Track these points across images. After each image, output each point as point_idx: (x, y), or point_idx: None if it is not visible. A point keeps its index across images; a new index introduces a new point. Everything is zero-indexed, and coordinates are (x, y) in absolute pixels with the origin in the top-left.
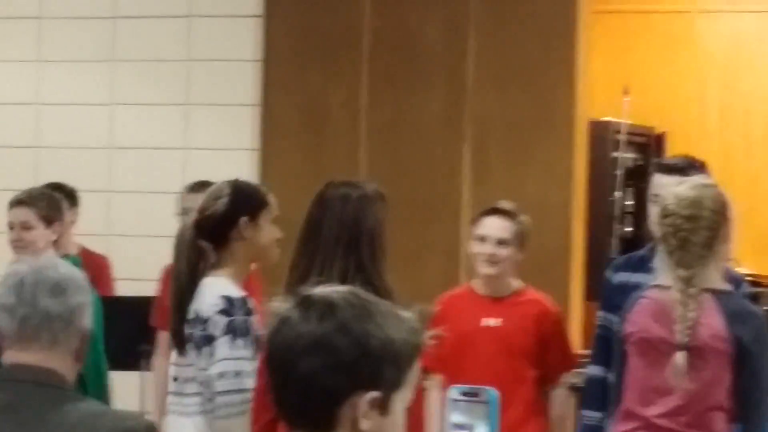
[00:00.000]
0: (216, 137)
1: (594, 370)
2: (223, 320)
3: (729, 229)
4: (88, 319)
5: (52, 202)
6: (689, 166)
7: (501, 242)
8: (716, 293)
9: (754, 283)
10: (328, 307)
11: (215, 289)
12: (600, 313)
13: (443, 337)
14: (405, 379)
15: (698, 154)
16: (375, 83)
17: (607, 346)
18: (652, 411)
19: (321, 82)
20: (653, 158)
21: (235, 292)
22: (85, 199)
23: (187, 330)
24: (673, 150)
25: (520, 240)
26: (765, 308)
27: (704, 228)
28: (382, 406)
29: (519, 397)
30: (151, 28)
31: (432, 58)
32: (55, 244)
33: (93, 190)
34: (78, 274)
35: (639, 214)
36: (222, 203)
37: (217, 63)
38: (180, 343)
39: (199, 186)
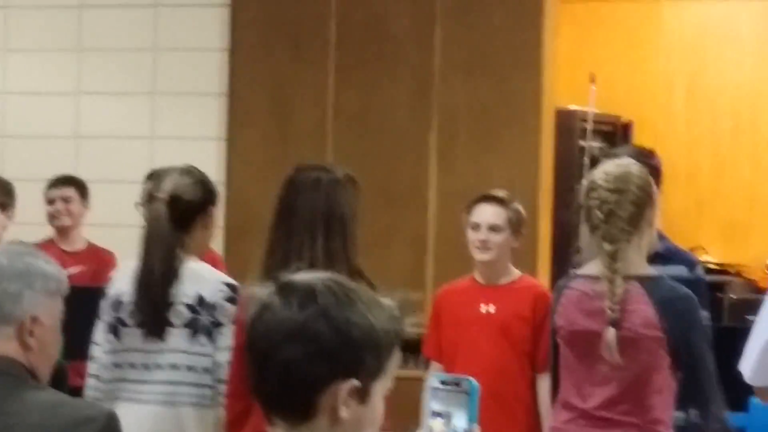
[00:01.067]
0: (183, 126)
1: None
2: (232, 308)
3: (654, 212)
4: (26, 306)
5: (6, 187)
6: (638, 155)
7: (493, 228)
8: (643, 280)
9: (721, 272)
10: (309, 293)
11: (215, 275)
12: None
13: (442, 326)
14: (385, 367)
15: (664, 142)
16: (342, 72)
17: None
18: (590, 403)
19: (288, 70)
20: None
21: (232, 279)
22: None
23: (187, 314)
24: (640, 138)
25: (513, 226)
26: (732, 296)
27: (630, 202)
28: (362, 395)
29: (514, 384)
30: (117, 17)
31: (399, 47)
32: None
33: None
34: (23, 263)
35: None
36: (198, 191)
37: (183, 52)
38: (160, 328)
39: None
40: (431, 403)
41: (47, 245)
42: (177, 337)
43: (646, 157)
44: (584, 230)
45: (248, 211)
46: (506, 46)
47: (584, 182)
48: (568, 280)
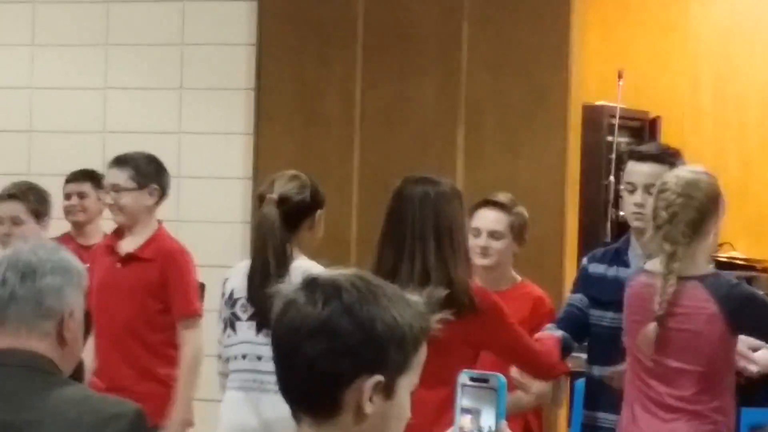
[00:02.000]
0: (210, 121)
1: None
2: None
3: (718, 222)
4: (68, 300)
5: (41, 195)
6: (663, 153)
7: (493, 234)
8: (703, 278)
9: (747, 267)
10: (333, 289)
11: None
12: (570, 296)
13: None
14: (411, 363)
15: (692, 138)
16: (369, 68)
17: (570, 318)
18: (656, 393)
19: (315, 66)
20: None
21: None
22: None
23: None
24: (667, 134)
25: (515, 232)
26: (759, 291)
27: (694, 208)
28: (387, 390)
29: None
30: (144, 12)
31: (426, 43)
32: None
33: None
34: (60, 258)
35: None
36: (305, 194)
37: (210, 47)
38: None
39: (117, 161)
40: (461, 400)
41: (65, 239)
42: None
43: (671, 156)
44: (650, 228)
45: None
46: (534, 41)
47: (658, 183)
48: (635, 273)
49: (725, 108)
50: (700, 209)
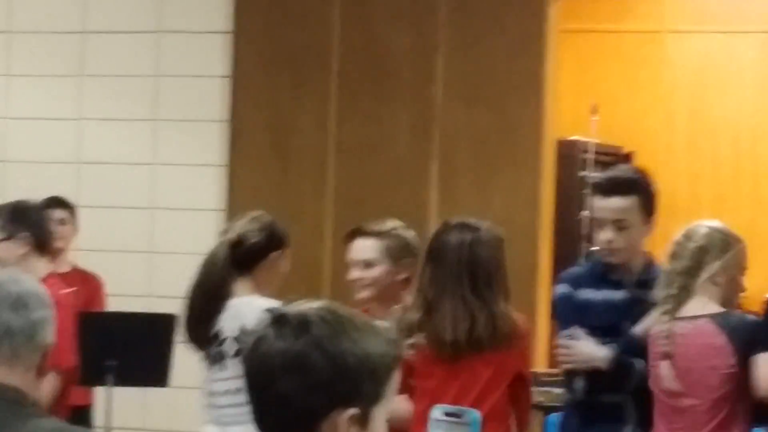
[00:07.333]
0: (184, 153)
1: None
2: None
3: (729, 271)
4: (51, 333)
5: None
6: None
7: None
8: (713, 316)
9: None
10: (302, 324)
11: (256, 304)
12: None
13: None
14: (384, 392)
15: (665, 173)
16: (343, 100)
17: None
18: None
19: (289, 98)
20: None
21: (274, 303)
22: None
23: (236, 346)
24: None
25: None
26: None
27: (712, 258)
28: (362, 421)
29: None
30: (119, 44)
31: (400, 76)
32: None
33: None
34: (40, 289)
35: None
36: (263, 236)
37: (185, 79)
38: (213, 359)
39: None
40: None
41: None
42: (234, 366)
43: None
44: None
45: None
46: (508, 76)
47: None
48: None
49: (699, 144)
50: (718, 258)
